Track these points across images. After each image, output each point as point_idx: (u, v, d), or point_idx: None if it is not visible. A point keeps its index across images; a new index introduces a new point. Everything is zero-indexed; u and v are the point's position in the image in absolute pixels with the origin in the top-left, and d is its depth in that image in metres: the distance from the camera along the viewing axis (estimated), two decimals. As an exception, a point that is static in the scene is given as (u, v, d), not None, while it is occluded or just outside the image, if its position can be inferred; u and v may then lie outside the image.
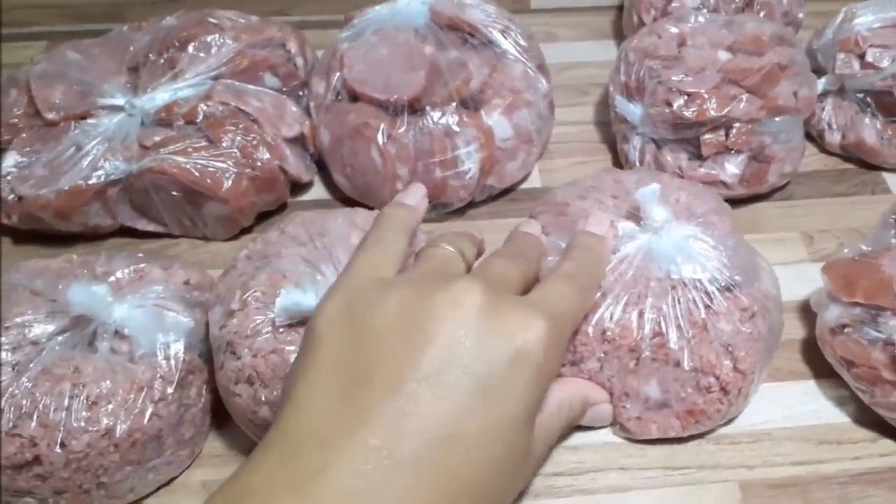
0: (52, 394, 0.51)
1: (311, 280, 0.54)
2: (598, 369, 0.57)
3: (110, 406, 0.52)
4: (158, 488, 0.57)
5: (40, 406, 0.51)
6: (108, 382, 0.52)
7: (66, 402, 0.51)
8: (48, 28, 0.95)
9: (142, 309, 0.56)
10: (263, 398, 0.52)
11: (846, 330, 0.59)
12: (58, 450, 0.51)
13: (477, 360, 0.42)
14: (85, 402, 0.51)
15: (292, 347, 0.52)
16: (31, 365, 0.52)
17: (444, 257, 0.50)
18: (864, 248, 0.61)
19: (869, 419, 0.59)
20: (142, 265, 0.60)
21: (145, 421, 0.53)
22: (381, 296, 0.44)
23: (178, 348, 0.55)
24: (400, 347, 0.42)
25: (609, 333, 0.56)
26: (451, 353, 0.42)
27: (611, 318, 0.57)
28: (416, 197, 0.55)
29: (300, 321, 0.53)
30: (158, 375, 0.54)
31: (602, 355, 0.57)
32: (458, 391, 0.41)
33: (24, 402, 0.51)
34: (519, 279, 0.51)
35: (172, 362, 0.55)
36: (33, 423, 0.50)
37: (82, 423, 0.51)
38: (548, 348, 0.44)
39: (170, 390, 0.54)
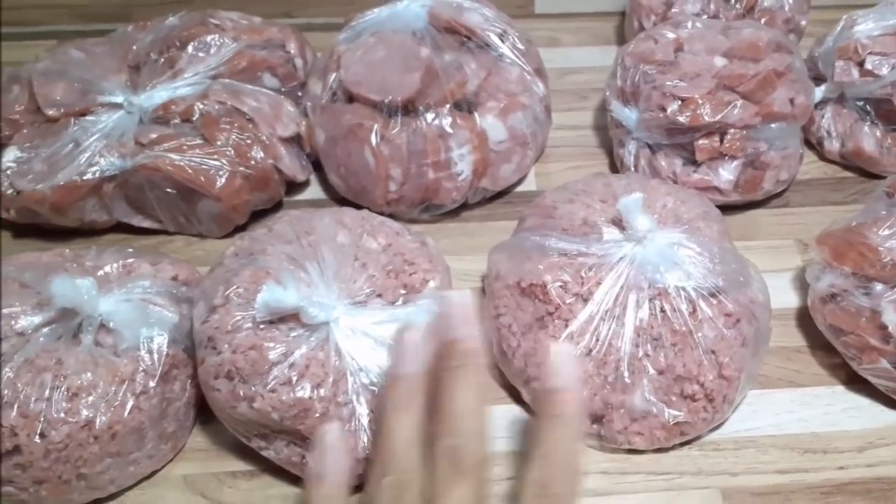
0: (33, 384, 0.52)
1: (293, 277, 0.54)
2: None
3: (90, 398, 0.52)
4: (140, 481, 0.57)
5: (21, 396, 0.51)
6: (89, 374, 0.53)
7: (46, 393, 0.52)
8: (57, 27, 0.96)
9: (128, 303, 0.57)
10: (242, 394, 0.52)
11: (836, 299, 0.59)
12: (37, 440, 0.51)
13: None
14: (66, 393, 0.52)
15: (272, 344, 0.52)
16: (15, 356, 0.53)
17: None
18: (854, 221, 0.61)
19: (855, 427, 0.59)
20: (130, 260, 0.60)
21: (126, 414, 0.53)
22: None
23: (161, 342, 0.56)
24: None
25: (594, 352, 0.56)
26: None
27: (596, 338, 0.56)
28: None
29: (280, 318, 0.53)
30: (141, 369, 0.54)
31: (583, 374, 0.56)
32: None
33: (6, 392, 0.51)
34: None
35: (155, 356, 0.55)
36: (14, 413, 0.51)
37: (62, 415, 0.51)
38: None
39: (152, 384, 0.55)
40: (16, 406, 0.51)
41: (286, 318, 0.53)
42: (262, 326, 0.53)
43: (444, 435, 0.44)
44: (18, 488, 0.53)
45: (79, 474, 0.53)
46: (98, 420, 0.52)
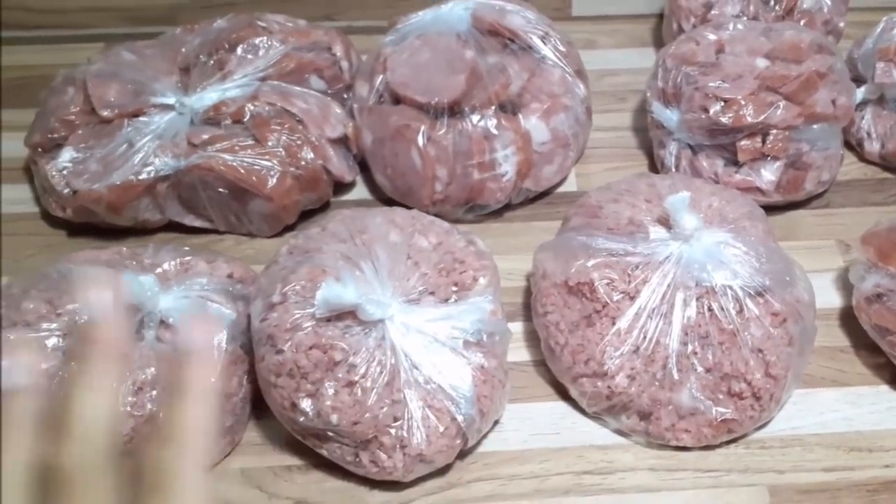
0: None
1: (351, 274, 0.55)
2: (627, 384, 0.58)
3: (154, 392, 0.54)
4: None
5: None
6: (152, 369, 0.54)
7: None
8: (105, 30, 0.97)
9: (186, 300, 0.58)
10: (304, 391, 0.54)
11: (882, 298, 0.60)
12: None
13: None
14: (131, 387, 0.54)
15: (334, 343, 0.54)
16: None
17: None
18: None
19: (901, 427, 0.60)
20: (187, 258, 0.62)
21: None
22: None
23: (220, 339, 0.57)
24: None
25: (641, 349, 0.57)
26: None
27: (643, 336, 0.57)
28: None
29: (337, 315, 0.55)
30: None
31: (631, 371, 0.57)
32: None
33: None
34: None
35: (215, 352, 0.57)
36: None
37: (128, 408, 0.53)
38: None
39: (212, 379, 0.56)
40: None
41: (343, 315, 0.55)
42: (320, 324, 0.54)
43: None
44: None
45: None
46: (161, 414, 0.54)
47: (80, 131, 0.74)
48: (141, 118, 0.73)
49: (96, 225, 0.74)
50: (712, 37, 0.73)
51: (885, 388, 0.62)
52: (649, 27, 0.96)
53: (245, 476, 0.59)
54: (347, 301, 0.53)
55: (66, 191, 0.72)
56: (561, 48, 0.76)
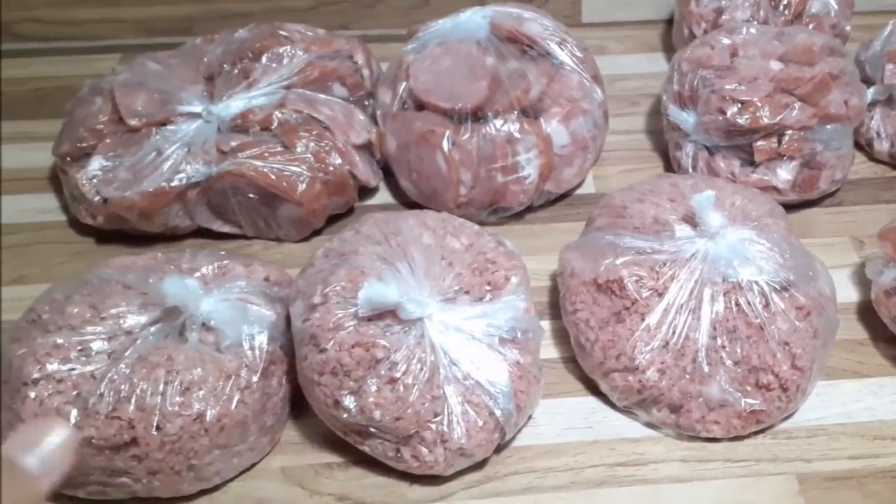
0: (148, 380, 0.55)
1: (393, 274, 0.57)
2: (657, 378, 0.59)
3: (201, 392, 0.55)
4: (241, 473, 0.60)
5: (137, 391, 0.54)
6: (199, 370, 0.56)
7: (161, 388, 0.55)
8: (121, 41, 0.99)
9: (227, 302, 0.60)
10: (347, 388, 0.55)
11: None
12: (154, 432, 0.54)
13: None
14: (178, 387, 0.55)
15: (376, 341, 0.55)
16: (127, 353, 0.56)
17: None
18: None
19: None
20: (224, 262, 0.63)
21: (232, 407, 0.56)
22: None
23: (261, 339, 0.59)
24: None
25: (671, 344, 0.59)
26: None
27: (672, 331, 0.59)
28: None
29: (378, 314, 0.56)
30: (244, 365, 0.57)
31: (661, 365, 0.59)
32: None
33: (123, 387, 0.54)
34: None
35: (257, 352, 0.58)
36: (131, 407, 0.54)
37: (176, 408, 0.54)
38: None
39: (255, 379, 0.57)
40: (133, 400, 0.54)
41: (383, 314, 0.56)
42: (362, 323, 0.56)
43: None
44: (133, 479, 0.56)
45: (189, 465, 0.56)
46: (208, 413, 0.55)
47: (108, 140, 0.75)
48: (168, 126, 0.75)
49: (125, 232, 0.76)
50: (726, 41, 0.76)
51: (906, 341, 0.65)
52: (658, 33, 0.98)
53: (286, 474, 0.60)
54: (390, 300, 0.54)
55: (97, 198, 0.73)
56: (578, 54, 0.78)
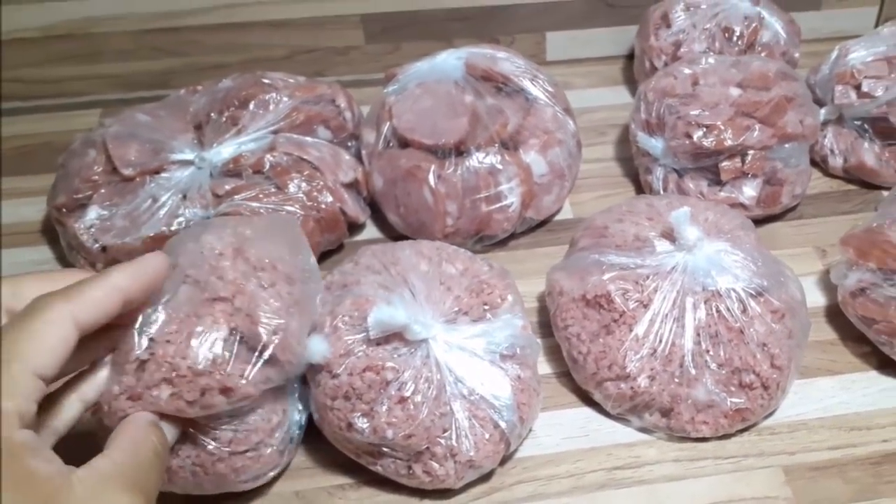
0: None
1: (400, 297, 0.60)
2: (648, 384, 0.63)
3: None
4: (255, 498, 0.62)
5: None
6: None
7: None
8: (101, 97, 1.02)
9: None
10: (360, 410, 0.58)
11: (865, 292, 0.67)
12: None
13: None
14: None
15: (384, 363, 0.58)
16: None
17: None
18: (873, 223, 0.70)
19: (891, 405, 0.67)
20: None
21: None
22: None
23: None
24: None
25: (659, 351, 0.63)
26: None
27: (659, 339, 0.63)
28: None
29: (385, 338, 0.59)
30: None
31: (651, 371, 0.63)
32: None
33: None
34: None
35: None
36: None
37: None
38: None
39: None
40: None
41: (390, 338, 0.59)
42: (371, 349, 0.59)
43: None
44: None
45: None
46: None
47: (103, 190, 0.78)
48: (162, 174, 0.77)
49: (123, 278, 0.78)
50: (687, 71, 0.81)
51: (874, 373, 0.69)
52: (619, 67, 1.04)
53: (300, 497, 0.63)
54: (399, 321, 0.57)
55: (96, 246, 0.76)
56: (549, 89, 0.83)
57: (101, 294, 0.47)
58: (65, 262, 0.80)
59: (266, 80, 0.84)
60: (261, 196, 0.75)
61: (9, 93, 1.00)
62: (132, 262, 0.51)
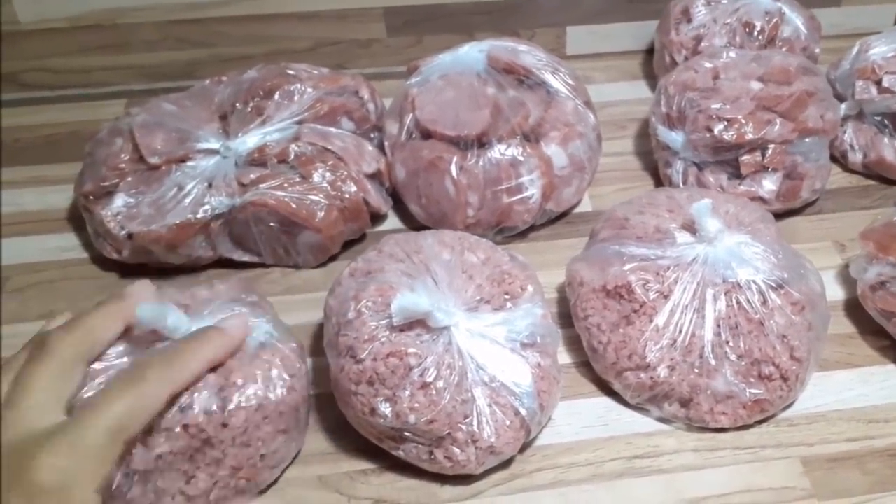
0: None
1: (423, 285, 0.61)
2: (668, 374, 0.64)
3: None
4: (277, 481, 0.63)
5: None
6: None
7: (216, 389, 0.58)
8: (126, 87, 1.03)
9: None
10: (383, 395, 0.59)
11: (885, 286, 0.68)
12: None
13: None
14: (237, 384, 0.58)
15: (408, 349, 0.59)
16: None
17: None
18: (893, 217, 0.71)
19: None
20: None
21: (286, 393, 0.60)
22: None
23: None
24: None
25: (679, 342, 0.64)
26: None
27: (679, 330, 0.64)
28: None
29: (409, 325, 0.60)
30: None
31: (670, 362, 0.64)
32: None
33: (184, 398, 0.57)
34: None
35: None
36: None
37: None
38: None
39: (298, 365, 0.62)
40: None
41: (413, 325, 0.60)
42: (394, 335, 0.60)
43: None
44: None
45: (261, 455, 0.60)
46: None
47: (130, 178, 0.79)
48: (188, 163, 0.78)
49: (148, 265, 0.79)
50: (708, 65, 0.81)
51: (892, 366, 0.70)
52: (638, 62, 1.05)
53: (323, 482, 0.64)
54: (422, 308, 0.58)
55: (122, 233, 0.77)
56: (570, 82, 0.84)
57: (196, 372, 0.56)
58: (91, 248, 0.82)
59: (290, 71, 0.85)
60: (286, 185, 0.76)
61: (38, 82, 1.01)
62: (219, 331, 0.58)
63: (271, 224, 0.76)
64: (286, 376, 0.60)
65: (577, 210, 0.85)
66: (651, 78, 1.02)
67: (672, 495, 0.62)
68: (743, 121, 0.76)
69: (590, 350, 0.68)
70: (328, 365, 0.63)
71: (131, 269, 0.80)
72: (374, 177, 0.82)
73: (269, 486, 0.63)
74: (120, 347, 0.59)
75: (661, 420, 0.66)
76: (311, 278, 0.79)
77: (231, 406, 0.57)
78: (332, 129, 0.81)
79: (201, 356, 0.56)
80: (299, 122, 0.81)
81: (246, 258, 0.80)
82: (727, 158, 0.78)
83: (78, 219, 0.83)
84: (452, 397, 0.59)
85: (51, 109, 1.01)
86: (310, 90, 0.83)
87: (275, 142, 0.79)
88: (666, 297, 0.65)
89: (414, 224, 0.83)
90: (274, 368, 0.60)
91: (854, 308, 0.73)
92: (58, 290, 0.80)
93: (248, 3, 0.98)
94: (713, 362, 0.63)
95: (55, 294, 0.79)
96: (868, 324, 0.71)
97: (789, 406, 0.67)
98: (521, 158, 0.77)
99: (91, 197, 0.79)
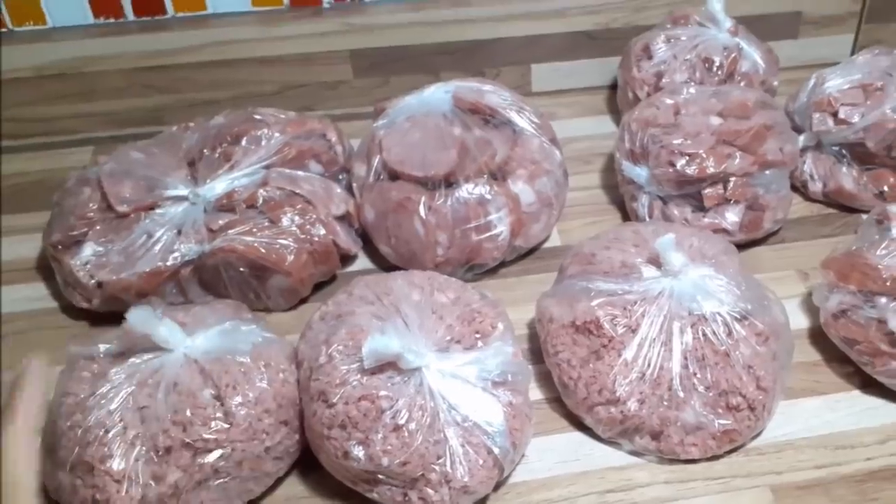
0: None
1: (394, 327, 0.61)
2: (637, 408, 0.65)
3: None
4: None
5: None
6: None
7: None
8: (93, 134, 1.03)
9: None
10: (356, 439, 0.59)
11: (846, 314, 0.69)
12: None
13: None
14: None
15: (379, 392, 0.59)
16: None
17: None
18: (853, 246, 0.72)
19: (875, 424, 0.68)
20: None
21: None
22: None
23: None
24: None
25: (647, 375, 0.65)
26: None
27: (648, 363, 0.65)
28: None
29: (380, 367, 0.60)
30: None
31: (640, 395, 0.65)
32: None
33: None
34: None
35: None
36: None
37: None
38: None
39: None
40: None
41: (384, 367, 0.61)
42: (366, 378, 0.60)
43: None
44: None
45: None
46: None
47: (98, 227, 0.79)
48: (157, 211, 0.79)
49: (118, 314, 0.78)
50: (669, 101, 0.83)
51: (856, 392, 0.71)
52: (602, 97, 1.06)
53: (299, 525, 0.64)
54: (393, 350, 0.59)
55: (92, 282, 0.77)
56: (535, 120, 0.85)
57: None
58: (61, 298, 0.81)
59: (257, 117, 0.86)
60: (254, 230, 0.76)
61: (4, 131, 1.01)
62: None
63: (241, 269, 0.76)
64: (281, 369, 0.64)
65: (546, 245, 0.87)
66: (615, 113, 1.03)
67: (646, 528, 0.63)
68: (704, 155, 0.78)
69: (561, 386, 0.68)
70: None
71: (102, 318, 0.79)
72: (344, 218, 0.82)
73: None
74: (122, 375, 0.64)
75: (633, 453, 0.67)
76: (283, 322, 0.79)
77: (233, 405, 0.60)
78: (300, 173, 0.82)
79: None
80: (267, 167, 0.82)
81: (217, 303, 0.80)
82: (690, 192, 0.80)
83: (47, 268, 0.83)
84: (425, 438, 0.60)
85: (18, 159, 1.01)
86: (277, 135, 0.83)
87: (243, 187, 0.79)
88: (634, 332, 0.66)
89: (384, 264, 0.84)
90: (270, 363, 0.63)
91: (819, 336, 0.74)
92: (28, 340, 0.79)
93: (213, 49, 0.98)
94: (682, 394, 0.64)
95: (26, 345, 0.78)
96: (833, 351, 0.72)
97: (758, 435, 0.68)
98: (488, 197, 0.78)
99: (60, 246, 0.79)
